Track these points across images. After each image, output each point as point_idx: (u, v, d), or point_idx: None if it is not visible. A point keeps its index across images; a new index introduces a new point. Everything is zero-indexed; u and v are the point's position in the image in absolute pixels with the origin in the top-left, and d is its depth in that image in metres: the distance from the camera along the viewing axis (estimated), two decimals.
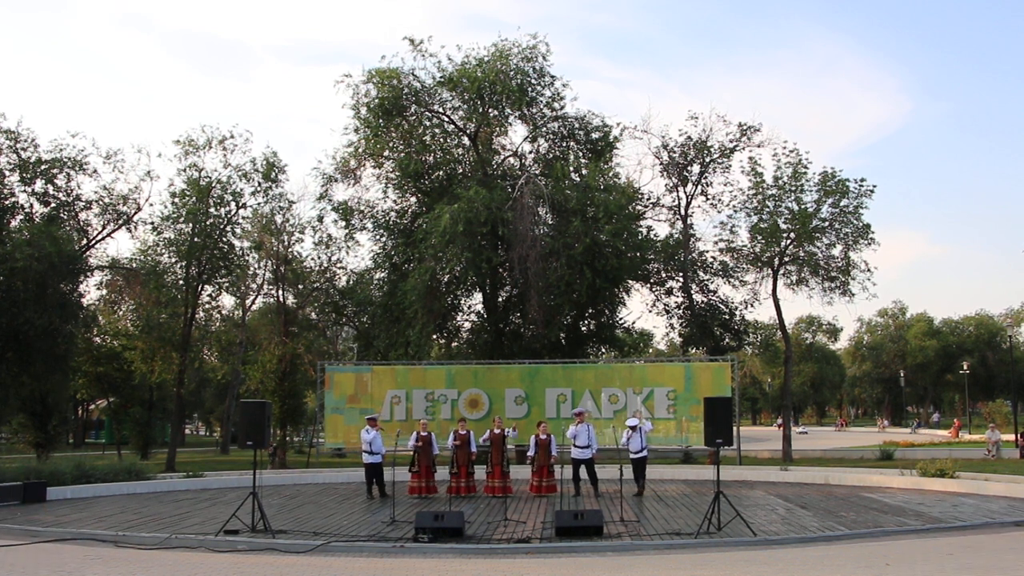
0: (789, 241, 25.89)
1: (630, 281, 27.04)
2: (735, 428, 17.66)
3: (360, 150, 26.90)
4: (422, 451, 16.56)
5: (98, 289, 29.01)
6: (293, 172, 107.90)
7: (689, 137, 26.71)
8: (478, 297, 28.32)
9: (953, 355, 65.41)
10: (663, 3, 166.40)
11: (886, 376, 72.08)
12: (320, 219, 28.82)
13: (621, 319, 28.44)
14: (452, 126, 27.15)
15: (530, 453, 16.71)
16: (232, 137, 26.97)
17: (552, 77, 26.19)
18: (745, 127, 26.38)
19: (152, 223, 26.94)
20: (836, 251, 26.09)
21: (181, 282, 27.19)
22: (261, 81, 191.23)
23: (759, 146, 26.51)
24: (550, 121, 26.88)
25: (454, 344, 29.90)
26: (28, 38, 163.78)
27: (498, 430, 16.68)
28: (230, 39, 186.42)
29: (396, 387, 21.77)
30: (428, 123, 27.30)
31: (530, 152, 28.20)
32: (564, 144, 27.67)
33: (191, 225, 26.57)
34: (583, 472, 16.55)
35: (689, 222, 27.24)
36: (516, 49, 25.48)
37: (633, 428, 16.26)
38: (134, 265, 27.44)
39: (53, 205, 25.86)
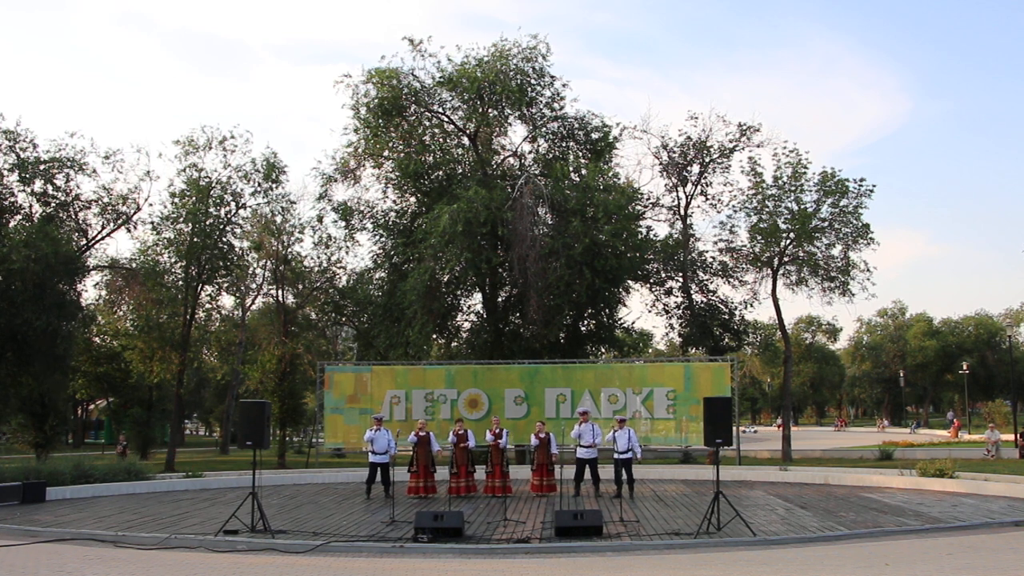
0: (789, 241, 25.89)
1: (630, 281, 27.04)
2: (735, 428, 17.67)
3: (360, 150, 26.91)
4: (420, 451, 16.56)
5: (97, 288, 29.05)
6: (293, 171, 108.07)
7: (689, 137, 26.73)
8: (478, 297, 28.35)
9: (953, 355, 65.40)
10: (663, 3, 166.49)
11: (886, 376, 72.12)
12: (320, 219, 28.86)
13: (621, 319, 28.45)
14: (452, 126, 27.15)
15: (534, 443, 16.72)
16: (232, 137, 27.00)
17: (552, 77, 26.25)
18: (745, 127, 26.40)
19: (152, 223, 26.97)
20: (836, 251, 26.13)
21: (181, 282, 27.19)
22: (260, 80, 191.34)
23: (759, 146, 26.56)
24: (550, 121, 26.88)
25: (454, 344, 29.89)
26: (27, 38, 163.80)
27: (497, 430, 16.69)
28: (230, 38, 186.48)
29: (396, 387, 21.74)
30: (428, 123, 27.31)
31: (530, 152, 28.26)
32: (564, 144, 27.68)
33: (191, 225, 26.57)
34: (586, 472, 16.53)
35: (689, 222, 27.27)
36: (516, 49, 25.50)
37: (621, 423, 16.15)
38: (134, 265, 27.44)
39: (52, 205, 25.86)
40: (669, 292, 27.87)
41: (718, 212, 28.10)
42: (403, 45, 52.62)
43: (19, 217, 25.54)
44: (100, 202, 26.62)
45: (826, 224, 25.62)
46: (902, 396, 73.48)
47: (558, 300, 23.66)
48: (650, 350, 49.89)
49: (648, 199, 27.57)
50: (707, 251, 27.60)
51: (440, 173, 27.35)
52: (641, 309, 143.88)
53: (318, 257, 30.44)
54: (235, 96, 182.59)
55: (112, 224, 27.03)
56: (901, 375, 68.32)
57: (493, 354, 25.26)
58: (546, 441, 16.57)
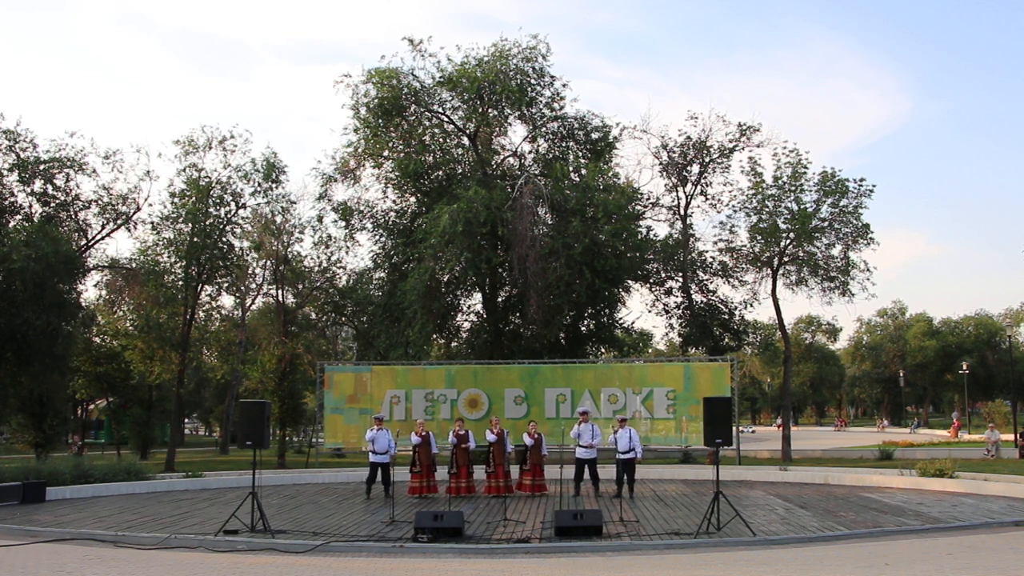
0: (788, 241, 25.88)
1: (629, 281, 27.02)
2: (735, 428, 17.66)
3: (360, 150, 26.89)
4: (422, 450, 16.58)
5: (97, 288, 29.07)
6: (293, 171, 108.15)
7: (689, 137, 26.70)
8: (478, 297, 28.33)
9: (953, 355, 65.37)
10: (663, 3, 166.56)
11: (886, 376, 72.12)
12: (320, 219, 28.85)
13: (620, 319, 28.45)
14: (452, 126, 27.14)
15: (528, 443, 16.79)
16: (232, 137, 27.02)
17: (552, 77, 26.24)
18: (744, 127, 26.36)
19: (152, 223, 26.98)
20: (835, 251, 26.11)
21: (181, 282, 27.19)
22: (260, 80, 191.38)
23: (759, 146, 26.51)
24: (550, 121, 26.87)
25: (454, 344, 29.90)
26: (27, 38, 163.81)
27: (497, 429, 16.70)
28: (230, 38, 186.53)
29: (396, 387, 21.74)
30: (428, 123, 27.30)
31: (530, 152, 28.24)
32: (564, 144, 27.67)
33: (191, 225, 26.58)
34: (586, 472, 16.53)
35: (688, 222, 27.25)
36: (516, 49, 25.50)
37: (622, 423, 16.17)
38: (134, 265, 27.44)
39: (52, 205, 25.86)
40: (669, 292, 27.87)
41: (718, 212, 28.12)
42: (403, 45, 52.66)
43: (19, 217, 25.54)
44: (100, 202, 26.63)
45: (826, 224, 25.60)
46: (902, 396, 73.47)
47: (558, 300, 23.66)
48: (650, 350, 49.88)
49: (648, 199, 27.56)
50: (707, 251, 27.63)
51: (440, 173, 27.34)
52: (641, 309, 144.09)
53: (318, 257, 30.48)
54: (235, 96, 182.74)
55: (112, 224, 27.05)
56: (901, 375, 68.31)
57: (493, 354, 25.25)
58: (539, 441, 16.65)
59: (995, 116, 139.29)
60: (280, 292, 30.56)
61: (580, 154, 27.60)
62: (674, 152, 26.84)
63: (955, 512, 13.26)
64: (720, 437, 12.04)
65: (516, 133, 28.96)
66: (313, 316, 33.00)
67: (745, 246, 26.75)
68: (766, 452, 30.41)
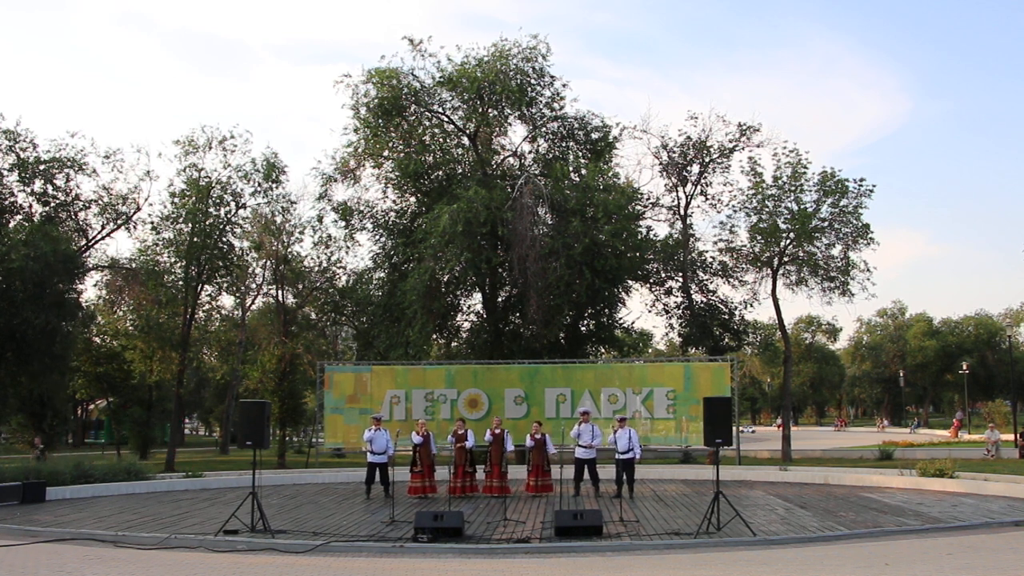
0: (788, 241, 25.88)
1: (629, 281, 27.04)
2: (735, 428, 17.66)
3: (360, 150, 26.90)
4: (423, 450, 16.59)
5: (96, 288, 29.08)
6: (293, 171, 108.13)
7: (689, 137, 26.70)
8: (478, 297, 28.34)
9: (953, 355, 65.38)
10: (663, 3, 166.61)
11: (886, 376, 72.12)
12: (320, 219, 28.85)
13: (620, 319, 28.46)
14: (452, 126, 27.15)
15: (529, 444, 16.80)
16: (232, 137, 27.02)
17: (552, 77, 26.27)
18: (744, 127, 26.37)
19: (152, 223, 26.98)
20: (835, 251, 26.11)
21: (181, 282, 27.19)
22: (260, 80, 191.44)
23: (759, 146, 26.52)
24: (550, 121, 26.88)
25: (454, 344, 29.90)
26: (27, 38, 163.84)
27: (498, 430, 16.70)
28: (230, 38, 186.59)
29: (396, 387, 21.72)
30: (428, 123, 27.31)
31: (530, 152, 28.26)
32: (564, 144, 27.68)
33: (191, 225, 26.58)
34: (586, 472, 16.52)
35: (688, 222, 27.25)
36: (516, 49, 25.52)
37: (622, 423, 16.15)
38: (134, 265, 27.45)
39: (52, 205, 25.86)
40: (669, 292, 27.87)
41: (718, 212, 28.13)
42: (403, 45, 52.75)
43: (19, 217, 25.54)
44: (100, 202, 26.64)
45: (826, 224, 25.59)
46: (902, 396, 73.48)
47: (558, 300, 23.66)
48: (650, 350, 49.88)
49: (648, 199, 27.57)
50: (707, 251, 27.64)
51: (440, 173, 27.35)
52: (641, 309, 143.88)
53: (318, 257, 30.45)
54: (235, 96, 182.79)
55: (112, 224, 27.06)
56: (901, 375, 68.31)
57: (493, 354, 25.25)
58: (542, 442, 16.63)
59: (995, 116, 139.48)
60: (280, 292, 30.55)
61: (580, 154, 27.61)
62: (674, 152, 26.85)
63: (955, 512, 13.25)
64: (720, 437, 12.03)
65: (516, 133, 29.03)
66: (313, 316, 32.98)
67: (745, 246, 26.76)
68: (766, 452, 30.42)
